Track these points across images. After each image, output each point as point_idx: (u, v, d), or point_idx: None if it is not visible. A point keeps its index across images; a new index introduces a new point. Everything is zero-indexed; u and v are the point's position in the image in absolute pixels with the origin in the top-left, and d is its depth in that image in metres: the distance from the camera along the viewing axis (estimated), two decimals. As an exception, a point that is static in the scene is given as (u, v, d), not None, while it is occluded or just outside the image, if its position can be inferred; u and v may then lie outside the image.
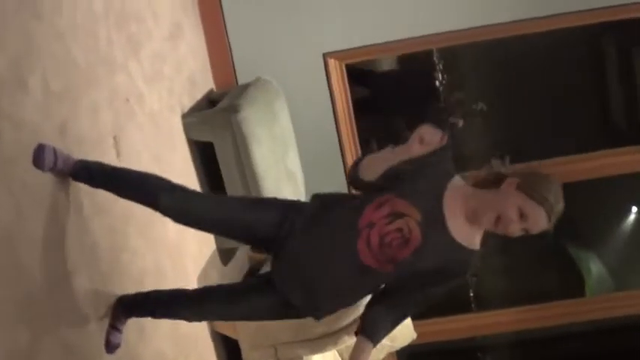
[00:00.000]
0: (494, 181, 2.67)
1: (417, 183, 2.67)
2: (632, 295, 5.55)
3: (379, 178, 2.63)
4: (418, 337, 4.80)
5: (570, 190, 5.32)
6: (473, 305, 5.98)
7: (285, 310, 2.94)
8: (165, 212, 2.92)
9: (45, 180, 2.76)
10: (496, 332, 5.77)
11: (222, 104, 4.36)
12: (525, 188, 2.60)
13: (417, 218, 2.64)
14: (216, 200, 3.10)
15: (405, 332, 4.67)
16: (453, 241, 2.68)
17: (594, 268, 6.42)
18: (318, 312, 2.93)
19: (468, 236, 2.70)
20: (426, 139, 2.40)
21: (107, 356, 3.02)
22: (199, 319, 3.28)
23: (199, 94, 4.60)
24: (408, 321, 4.65)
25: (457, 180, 2.72)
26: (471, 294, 5.96)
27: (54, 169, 2.80)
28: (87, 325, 2.93)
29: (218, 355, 4.21)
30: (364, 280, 2.76)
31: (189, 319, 3.18)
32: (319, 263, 2.77)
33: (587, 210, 5.91)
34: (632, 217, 6.59)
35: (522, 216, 2.58)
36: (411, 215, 2.64)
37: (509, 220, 2.58)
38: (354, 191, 2.86)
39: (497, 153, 2.75)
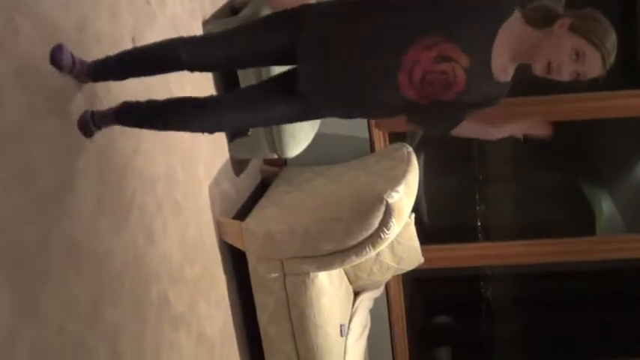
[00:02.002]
0: (547, 20, 2.55)
1: (470, 20, 2.58)
2: (643, 238, 5.54)
3: None
4: (424, 262, 4.83)
5: (589, 127, 5.31)
6: (480, 235, 5.96)
7: (306, 114, 2.92)
8: (186, 66, 2.87)
9: (61, 80, 2.73)
10: (502, 264, 5.78)
11: (244, 12, 4.28)
12: (580, 29, 2.48)
13: (465, 64, 2.58)
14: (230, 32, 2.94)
15: (412, 256, 4.70)
16: (495, 82, 2.65)
17: (606, 207, 6.38)
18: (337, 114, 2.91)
19: (506, 71, 2.66)
20: None
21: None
22: (213, 127, 3.02)
23: (222, 1, 4.52)
24: (417, 244, 4.68)
25: (515, 16, 2.60)
26: (479, 223, 5.94)
27: (72, 71, 2.76)
28: (95, 229, 2.93)
29: (224, 266, 4.23)
30: (395, 103, 2.73)
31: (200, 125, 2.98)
32: (352, 79, 2.70)
33: (605, 149, 5.85)
34: (649, 160, 6.53)
35: (575, 59, 2.48)
36: (458, 61, 2.57)
37: (562, 63, 2.49)
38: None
39: None
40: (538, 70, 2.55)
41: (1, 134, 2.35)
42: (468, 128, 2.88)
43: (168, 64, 2.90)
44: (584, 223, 6.14)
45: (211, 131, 3.00)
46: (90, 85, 2.91)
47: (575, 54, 2.47)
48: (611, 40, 2.50)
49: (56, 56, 2.68)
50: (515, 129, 2.89)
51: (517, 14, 2.59)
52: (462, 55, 2.57)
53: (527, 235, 5.63)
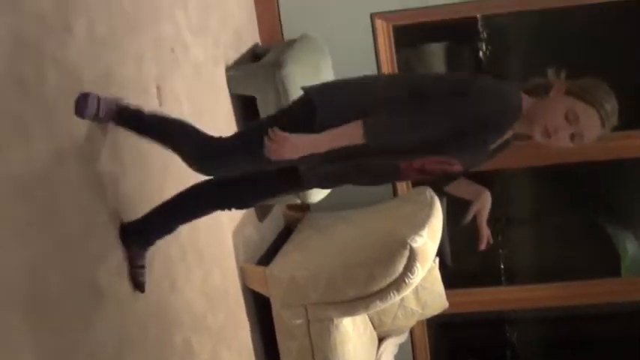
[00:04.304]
0: (545, 90, 2.55)
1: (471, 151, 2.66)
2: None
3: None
4: (448, 306, 4.79)
5: (611, 167, 5.28)
6: (503, 278, 5.93)
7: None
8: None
9: (86, 127, 2.74)
10: (527, 307, 5.73)
11: (266, 59, 4.32)
12: (574, 91, 2.48)
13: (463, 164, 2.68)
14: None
15: (437, 301, 4.66)
16: (491, 152, 2.72)
17: (631, 248, 6.34)
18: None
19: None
20: None
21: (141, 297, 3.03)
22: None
23: (244, 48, 4.56)
24: (441, 289, 4.64)
25: None
26: (502, 266, 5.91)
27: (96, 118, 2.77)
28: (121, 272, 2.92)
29: (248, 312, 4.21)
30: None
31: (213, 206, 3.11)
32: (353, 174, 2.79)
33: (627, 188, 5.83)
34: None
35: (572, 120, 2.45)
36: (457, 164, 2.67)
37: (557, 126, 2.46)
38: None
39: (553, 66, 2.60)
40: (538, 136, 2.54)
41: (28, 180, 2.37)
42: (461, 189, 2.90)
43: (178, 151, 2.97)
44: (608, 264, 6.10)
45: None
46: (114, 130, 2.93)
47: (568, 116, 2.46)
48: (610, 100, 2.48)
49: (80, 106, 2.70)
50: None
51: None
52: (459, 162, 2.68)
53: (551, 278, 5.59)
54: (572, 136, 2.49)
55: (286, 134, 2.53)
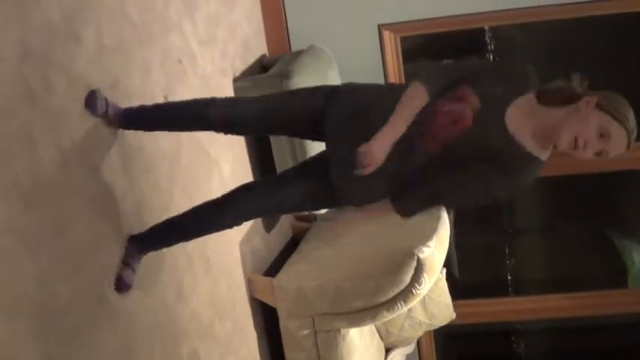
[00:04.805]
0: (569, 99, 2.55)
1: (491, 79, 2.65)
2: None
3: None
4: (455, 317, 4.78)
5: (618, 178, 5.27)
6: (510, 289, 5.92)
7: (328, 199, 2.93)
8: (217, 125, 2.93)
9: (93, 135, 2.76)
10: (534, 318, 5.72)
11: (274, 70, 4.33)
12: (606, 107, 2.48)
13: (475, 107, 2.61)
14: (260, 99, 3.00)
15: (444, 311, 4.65)
16: (511, 140, 2.60)
17: (637, 259, 6.32)
18: (358, 200, 2.90)
19: (534, 149, 2.62)
20: None
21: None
22: (237, 219, 3.09)
23: (252, 59, 4.57)
24: (448, 300, 4.63)
25: (528, 95, 2.63)
26: (509, 277, 5.90)
27: (105, 115, 2.80)
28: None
29: (255, 322, 4.20)
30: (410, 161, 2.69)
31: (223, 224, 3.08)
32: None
33: (634, 199, 5.81)
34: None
35: (602, 136, 2.46)
36: (470, 101, 2.62)
37: (589, 141, 2.47)
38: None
39: (577, 73, 2.62)
40: (565, 144, 2.52)
41: (35, 190, 2.38)
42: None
43: (198, 119, 2.94)
44: (615, 275, 6.08)
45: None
46: (122, 140, 2.93)
47: (601, 133, 2.46)
48: (631, 117, 2.50)
49: (90, 100, 2.73)
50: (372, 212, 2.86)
51: (530, 95, 2.62)
52: (475, 97, 2.61)
53: (558, 289, 5.58)
54: (599, 152, 2.51)
55: (368, 145, 2.56)
